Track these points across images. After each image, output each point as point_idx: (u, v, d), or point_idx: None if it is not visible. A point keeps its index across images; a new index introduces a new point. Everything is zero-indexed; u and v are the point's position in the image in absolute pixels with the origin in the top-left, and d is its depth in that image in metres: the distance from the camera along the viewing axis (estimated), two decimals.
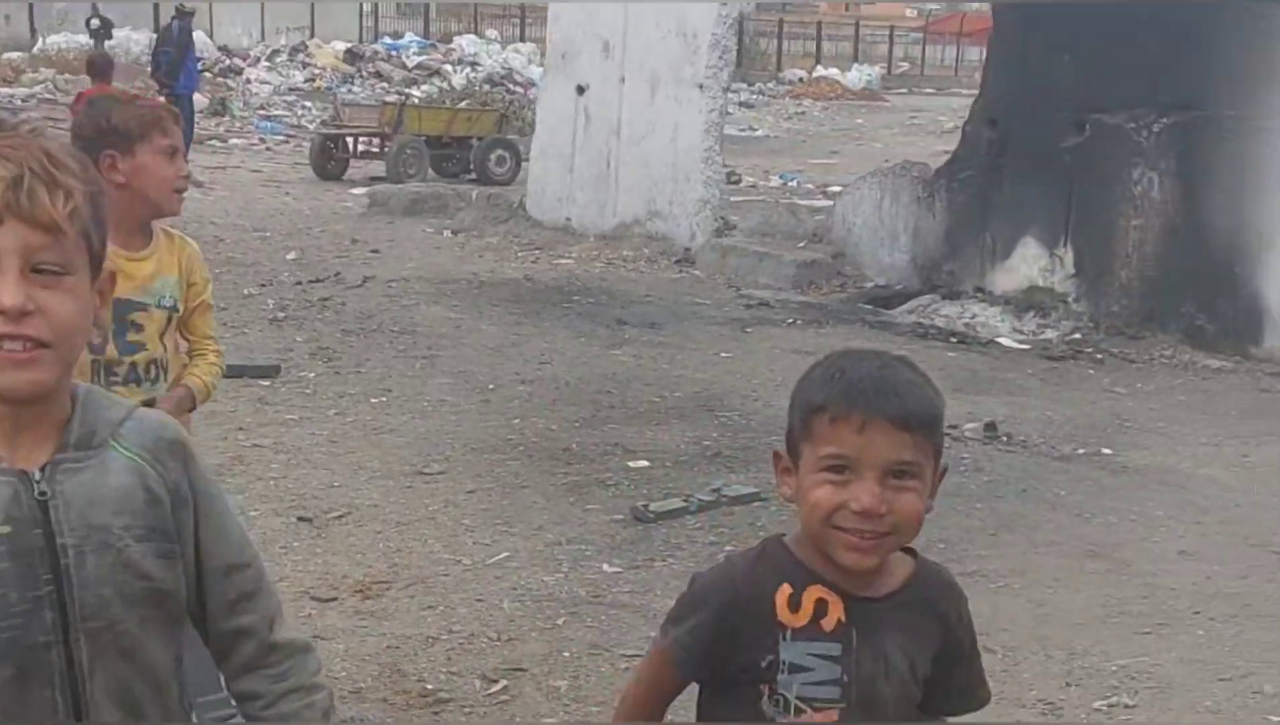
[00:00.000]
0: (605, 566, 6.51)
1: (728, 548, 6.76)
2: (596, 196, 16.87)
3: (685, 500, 7.34)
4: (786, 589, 2.31)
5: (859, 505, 2.22)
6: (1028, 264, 13.20)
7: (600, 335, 11.66)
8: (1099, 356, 11.84)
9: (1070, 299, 12.88)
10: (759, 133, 33.80)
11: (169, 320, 4.39)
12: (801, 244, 15.37)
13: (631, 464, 8.06)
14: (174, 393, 4.40)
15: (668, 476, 7.87)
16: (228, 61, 38.08)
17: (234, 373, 8.28)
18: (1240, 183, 11.76)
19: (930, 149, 18.56)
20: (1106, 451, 8.82)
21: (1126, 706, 5.29)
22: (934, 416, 2.28)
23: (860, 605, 2.32)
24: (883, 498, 2.22)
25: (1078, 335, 12.44)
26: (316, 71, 37.21)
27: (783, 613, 2.30)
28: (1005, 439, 9.01)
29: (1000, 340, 12.41)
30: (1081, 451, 8.80)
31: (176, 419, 4.41)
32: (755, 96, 42.56)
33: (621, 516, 7.18)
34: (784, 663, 2.30)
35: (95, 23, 33.58)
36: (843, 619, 2.30)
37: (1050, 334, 12.57)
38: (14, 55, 36.38)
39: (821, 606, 2.30)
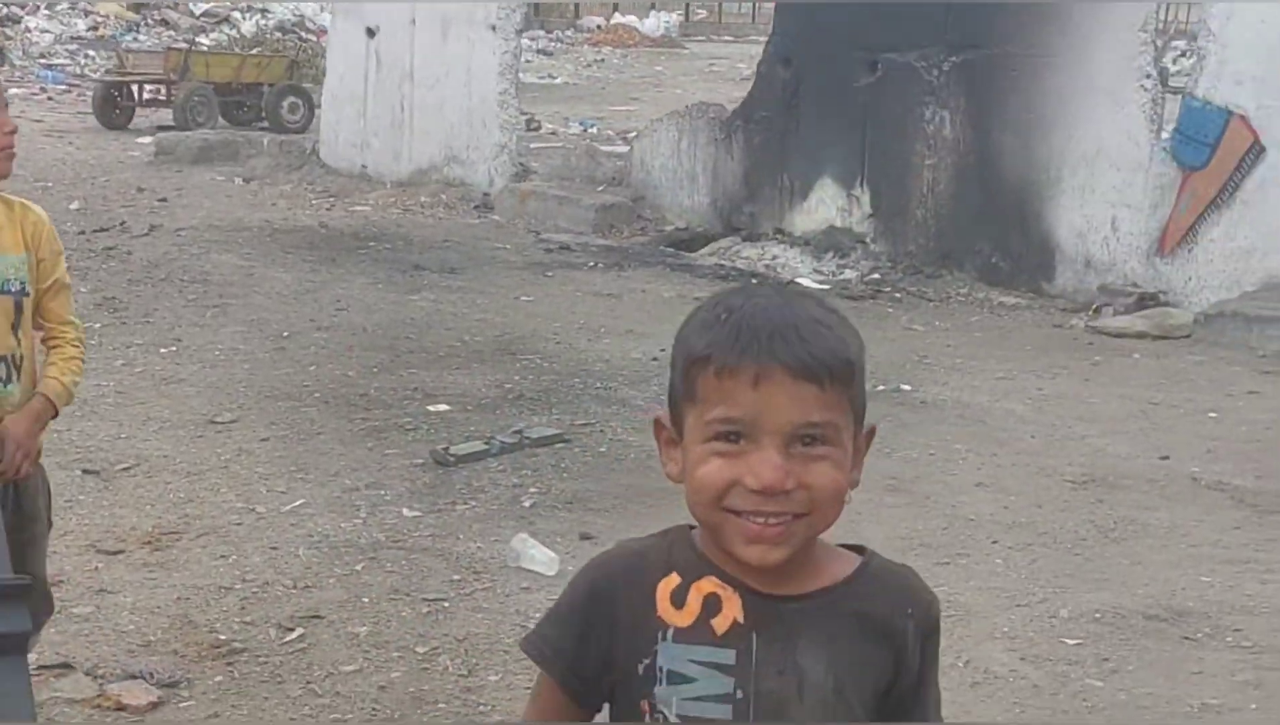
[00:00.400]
0: (405, 511, 6.37)
1: (531, 489, 6.69)
2: (392, 142, 16.60)
3: (487, 443, 7.22)
4: (673, 579, 1.82)
5: (757, 481, 1.71)
6: (825, 205, 13.30)
7: (398, 281, 11.47)
8: (897, 295, 11.97)
9: (868, 239, 13.00)
10: (558, 80, 33.60)
11: (18, 308, 3.64)
12: (601, 188, 15.30)
13: (431, 408, 7.93)
14: (28, 407, 3.68)
15: (469, 420, 7.74)
16: (5, 10, 36.74)
17: None
18: (1027, 120, 11.95)
19: (729, 95, 18.58)
20: (906, 387, 8.89)
21: None
22: (849, 363, 1.76)
23: (765, 603, 1.80)
24: (788, 469, 1.71)
25: (876, 275, 12.56)
26: (100, 19, 36.08)
27: (664, 606, 1.82)
28: None
29: (800, 281, 12.45)
30: (881, 388, 8.85)
31: (36, 436, 3.68)
32: (554, 44, 42.31)
33: (421, 461, 7.04)
34: (661, 669, 1.81)
35: None
36: (739, 619, 1.79)
37: (850, 274, 12.67)
38: None
39: (712, 603, 1.80)
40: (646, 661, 1.82)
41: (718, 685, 1.79)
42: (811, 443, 1.73)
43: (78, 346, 3.86)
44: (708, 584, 1.81)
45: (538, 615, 5.27)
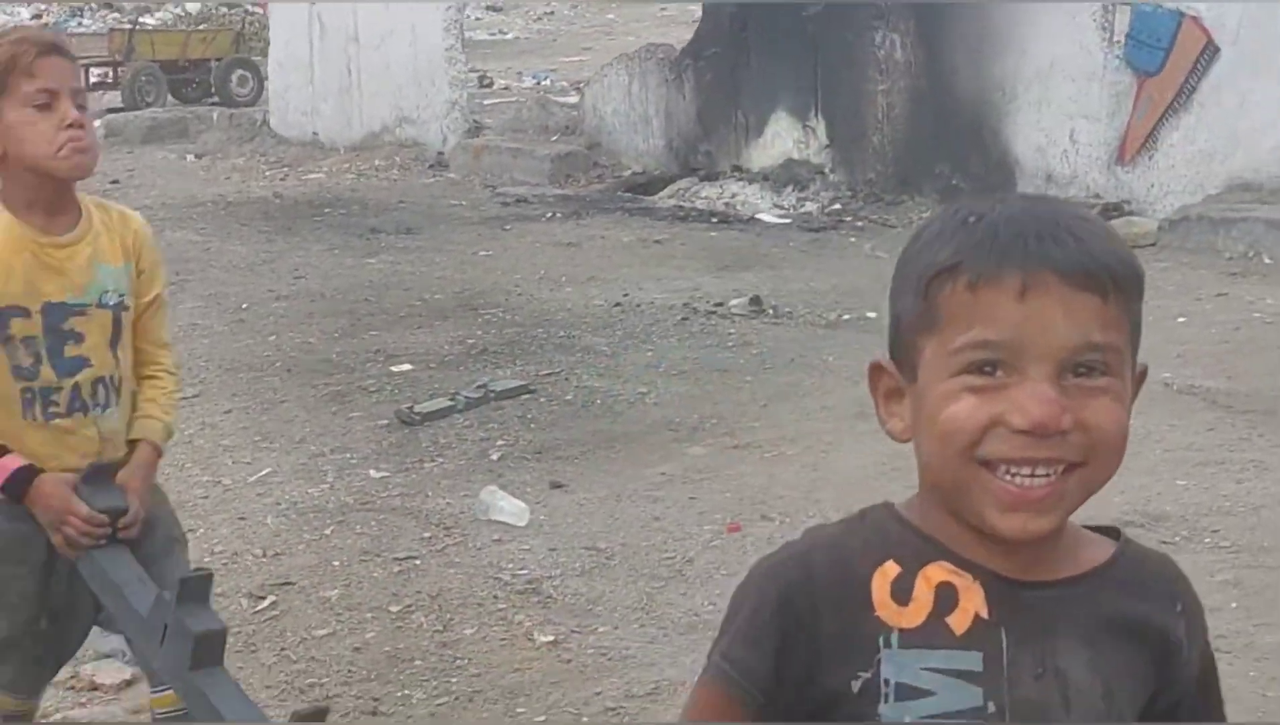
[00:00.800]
0: (372, 472, 6.30)
1: (499, 442, 6.61)
2: (342, 107, 16.46)
3: (451, 399, 7.14)
4: (891, 568, 1.46)
5: (1025, 418, 1.35)
6: (781, 138, 13.21)
7: (355, 245, 11.38)
8: (859, 224, 11.90)
9: (827, 170, 12.93)
10: (509, 36, 33.35)
11: (117, 324, 3.26)
12: (555, 138, 15.20)
13: (394, 368, 7.85)
14: (140, 460, 3.30)
15: (432, 378, 7.66)
16: None
17: None
18: (979, 37, 11.85)
19: (682, 38, 18.43)
20: (871, 315, 8.81)
21: None
22: (1135, 270, 1.41)
23: (1011, 591, 1.44)
24: (1063, 404, 1.35)
25: (837, 205, 12.49)
26: (42, 7, 35.74)
27: (883, 604, 1.45)
28: (771, 312, 8.98)
29: (761, 217, 12.40)
30: (847, 317, 8.82)
31: (147, 487, 3.28)
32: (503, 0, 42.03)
33: (386, 421, 6.96)
34: (887, 683, 1.43)
35: None
36: (984, 614, 1.43)
37: (810, 206, 12.59)
38: None
39: (947, 594, 1.44)
40: (866, 675, 1.44)
41: (963, 698, 1.43)
42: (1090, 372, 1.37)
43: (175, 376, 3.48)
44: (938, 571, 1.44)
45: (510, 566, 5.23)
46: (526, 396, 7.24)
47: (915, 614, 1.44)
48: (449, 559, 5.35)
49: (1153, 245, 10.38)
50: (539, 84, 22.80)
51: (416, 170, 15.11)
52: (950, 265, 1.38)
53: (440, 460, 6.44)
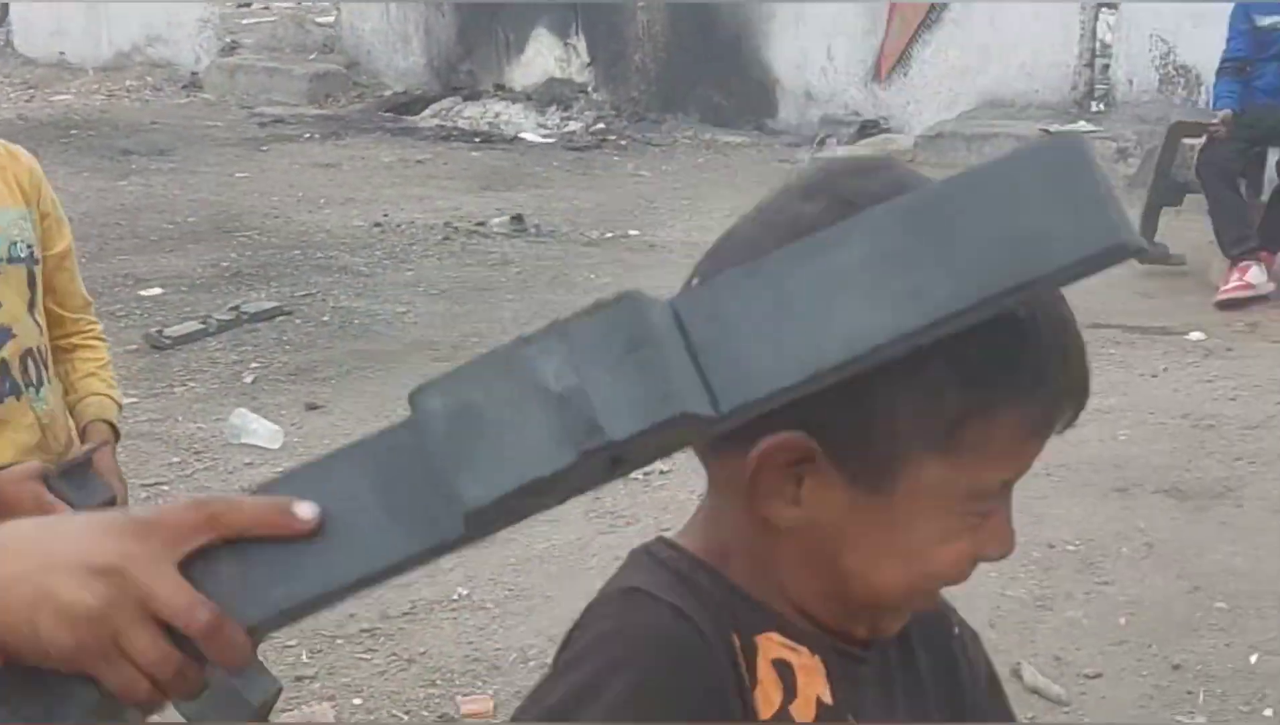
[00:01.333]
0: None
1: (253, 365, 6.47)
2: (89, 26, 15.84)
3: (203, 322, 6.97)
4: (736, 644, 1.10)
5: (1001, 552, 1.11)
6: (543, 57, 13.09)
7: (105, 168, 10.99)
8: (623, 143, 11.89)
9: (590, 89, 12.86)
10: None
11: (32, 282, 2.71)
12: (312, 56, 14.85)
13: (144, 292, 7.63)
14: (101, 449, 2.76)
15: (184, 301, 7.47)
16: None
17: None
18: None
19: None
20: (634, 232, 8.84)
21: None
22: None
23: (852, 667, 1.15)
24: None
25: (601, 125, 12.44)
26: None
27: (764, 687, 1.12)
28: (533, 231, 8.93)
29: (524, 136, 12.30)
30: (610, 235, 8.81)
31: (115, 469, 2.84)
32: None
33: (135, 346, 6.76)
34: None
35: None
36: (826, 698, 1.12)
37: (574, 126, 12.53)
38: None
39: (784, 675, 1.10)
40: None
41: None
42: None
43: (106, 343, 3.05)
44: (771, 644, 1.11)
45: None
46: (281, 318, 7.10)
47: (766, 703, 1.10)
48: (198, 484, 5.23)
49: (909, 162, 10.54)
50: (300, 3, 22.29)
51: (170, 91, 14.65)
52: (1008, 402, 1.05)
53: (191, 384, 6.29)
